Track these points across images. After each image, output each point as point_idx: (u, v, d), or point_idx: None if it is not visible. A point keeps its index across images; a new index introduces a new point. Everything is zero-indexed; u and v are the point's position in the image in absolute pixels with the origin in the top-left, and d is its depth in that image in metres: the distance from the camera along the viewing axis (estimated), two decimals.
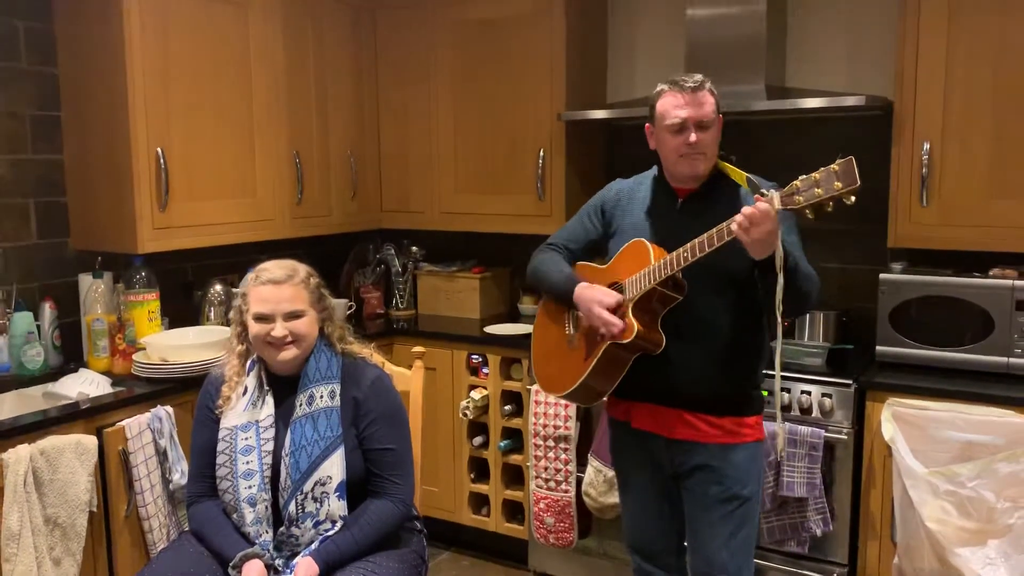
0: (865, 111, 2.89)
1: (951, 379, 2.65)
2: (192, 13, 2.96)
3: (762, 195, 1.90)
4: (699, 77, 2.14)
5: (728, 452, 2.18)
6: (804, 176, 1.84)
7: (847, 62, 3.18)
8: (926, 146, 2.75)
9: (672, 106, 2.12)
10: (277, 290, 2.10)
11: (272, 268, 2.14)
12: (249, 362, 2.17)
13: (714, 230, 1.96)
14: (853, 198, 1.79)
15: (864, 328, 3.03)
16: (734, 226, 1.90)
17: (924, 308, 2.76)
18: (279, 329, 2.08)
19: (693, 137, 2.09)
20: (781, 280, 1.93)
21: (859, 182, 1.77)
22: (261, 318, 2.09)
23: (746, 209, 1.88)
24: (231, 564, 2.00)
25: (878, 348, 2.83)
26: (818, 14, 3.21)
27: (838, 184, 1.79)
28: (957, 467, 2.48)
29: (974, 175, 2.72)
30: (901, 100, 2.79)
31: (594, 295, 2.16)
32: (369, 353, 2.27)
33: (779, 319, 1.97)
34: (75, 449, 2.34)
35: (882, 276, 2.83)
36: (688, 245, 2.01)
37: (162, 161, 2.87)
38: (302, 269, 2.17)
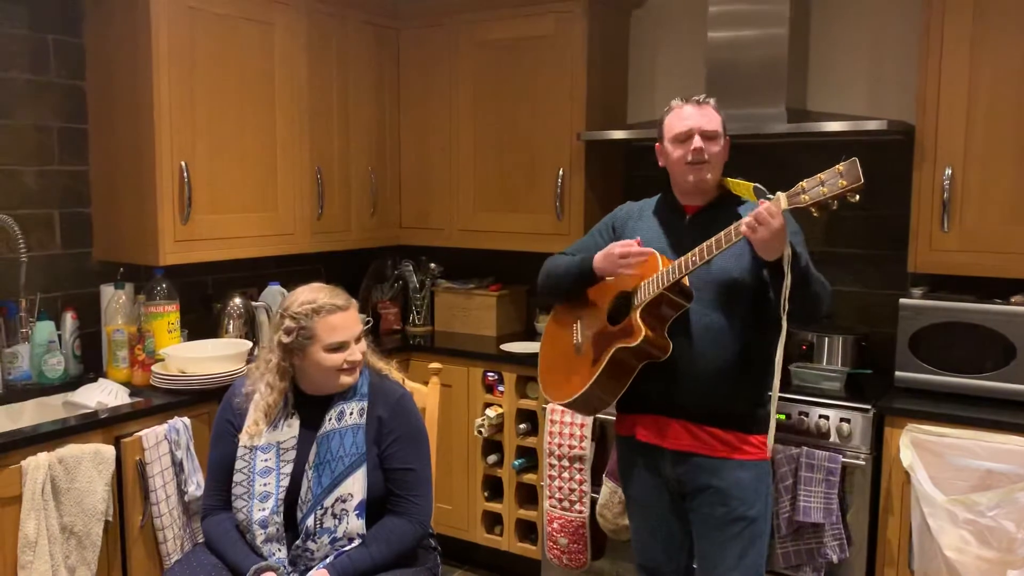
0: (886, 135, 2.88)
1: (971, 406, 2.62)
2: (218, 30, 3.00)
3: (768, 198, 1.98)
4: (706, 95, 2.24)
5: (733, 471, 2.18)
6: (809, 178, 1.92)
7: (869, 86, 3.18)
8: (948, 171, 2.74)
9: (678, 117, 2.21)
10: (346, 316, 2.11)
11: (331, 295, 2.12)
12: (282, 400, 2.15)
13: (722, 233, 2.02)
14: (857, 196, 1.88)
15: (883, 353, 3.01)
16: (743, 227, 1.96)
17: (944, 334, 2.74)
18: (356, 352, 2.10)
19: (698, 142, 2.16)
20: (788, 279, 1.98)
21: (862, 180, 1.85)
22: (337, 347, 2.08)
23: (755, 209, 1.95)
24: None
25: (897, 373, 2.81)
26: (840, 37, 3.21)
27: (843, 182, 1.87)
28: (977, 496, 2.45)
29: (996, 201, 2.70)
30: (923, 125, 2.78)
31: (611, 244, 2.21)
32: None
33: (784, 318, 2.02)
34: (93, 458, 2.36)
35: (902, 301, 2.81)
36: (696, 249, 2.06)
37: (185, 174, 2.90)
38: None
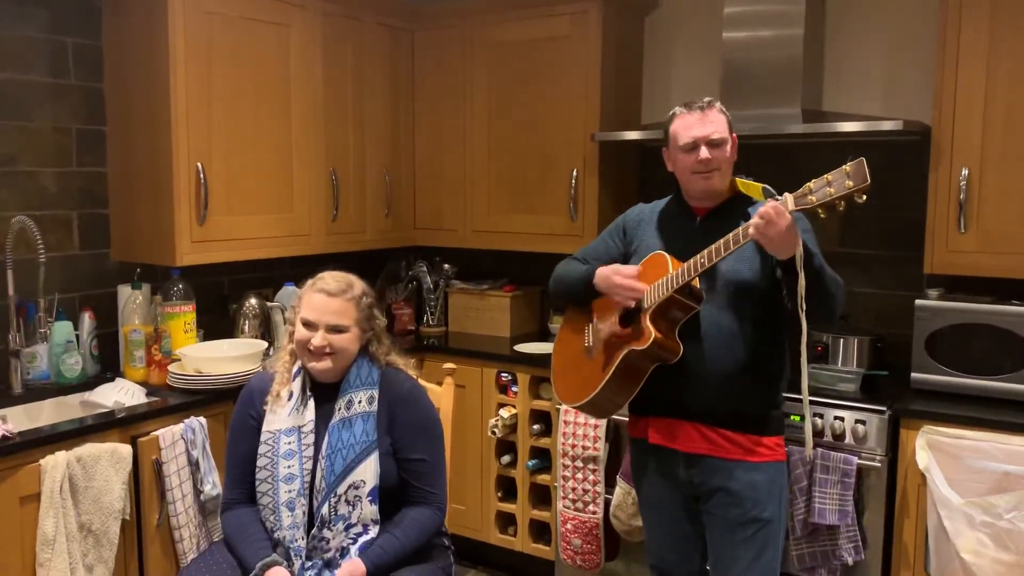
0: (902, 136, 2.87)
1: (988, 408, 2.61)
2: (235, 32, 3.02)
3: (776, 199, 1.98)
4: (709, 98, 2.22)
5: (746, 473, 2.17)
6: (816, 178, 1.91)
7: (885, 86, 3.16)
8: (964, 172, 2.72)
9: (683, 127, 2.19)
10: (327, 301, 2.14)
11: (329, 279, 2.19)
12: (295, 368, 2.20)
13: (730, 234, 2.01)
14: (864, 197, 1.86)
15: (899, 354, 2.99)
16: (751, 229, 1.96)
17: (961, 335, 2.72)
18: (319, 339, 2.12)
19: (705, 153, 2.15)
20: (803, 278, 1.97)
21: (869, 180, 1.84)
22: (306, 324, 2.14)
23: (761, 208, 1.94)
24: (252, 574, 2.01)
25: (913, 375, 2.79)
26: (856, 38, 3.20)
27: (849, 183, 1.86)
28: (994, 498, 2.43)
29: (1014, 201, 2.68)
30: (939, 125, 2.76)
31: (614, 267, 2.22)
32: (406, 366, 2.30)
33: (803, 317, 2.01)
34: (110, 457, 2.38)
35: (918, 302, 2.79)
36: (705, 251, 2.05)
37: (202, 176, 2.92)
38: (358, 286, 2.22)
